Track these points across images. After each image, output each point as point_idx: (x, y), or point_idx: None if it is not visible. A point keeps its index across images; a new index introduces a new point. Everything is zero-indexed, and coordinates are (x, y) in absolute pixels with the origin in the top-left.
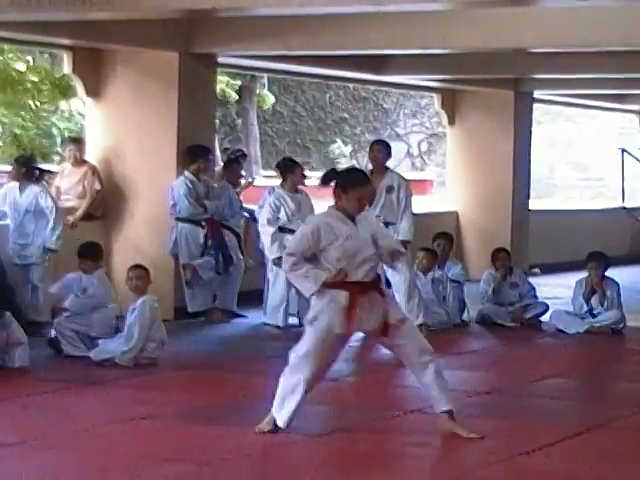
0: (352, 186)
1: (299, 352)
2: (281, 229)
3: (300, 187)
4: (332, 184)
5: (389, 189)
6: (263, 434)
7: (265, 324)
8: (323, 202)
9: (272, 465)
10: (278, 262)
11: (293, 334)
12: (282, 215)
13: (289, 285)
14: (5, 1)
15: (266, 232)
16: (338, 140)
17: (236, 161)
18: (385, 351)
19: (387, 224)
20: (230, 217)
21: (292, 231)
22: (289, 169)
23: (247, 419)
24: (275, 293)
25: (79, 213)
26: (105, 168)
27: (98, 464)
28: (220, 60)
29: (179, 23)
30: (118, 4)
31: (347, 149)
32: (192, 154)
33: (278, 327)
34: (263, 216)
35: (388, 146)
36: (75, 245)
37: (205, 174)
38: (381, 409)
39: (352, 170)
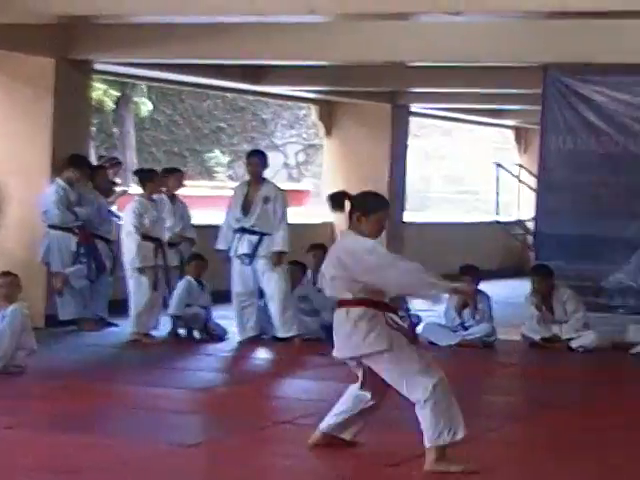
0: (374, 210)
1: (414, 378)
2: (144, 237)
3: (168, 194)
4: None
5: (265, 200)
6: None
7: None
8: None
9: (137, 475)
10: (140, 270)
11: (160, 342)
12: (146, 222)
13: (153, 292)
14: None
15: (132, 239)
16: (216, 150)
17: (102, 167)
18: (258, 362)
19: (262, 234)
20: (99, 225)
21: (152, 238)
22: (147, 177)
23: (115, 428)
24: (138, 301)
25: None
26: None
27: None
28: (97, 67)
29: (56, 28)
30: None
31: (225, 159)
32: (68, 162)
33: (141, 334)
34: (128, 223)
35: (265, 156)
36: None
37: (80, 182)
38: (252, 419)
39: (370, 194)
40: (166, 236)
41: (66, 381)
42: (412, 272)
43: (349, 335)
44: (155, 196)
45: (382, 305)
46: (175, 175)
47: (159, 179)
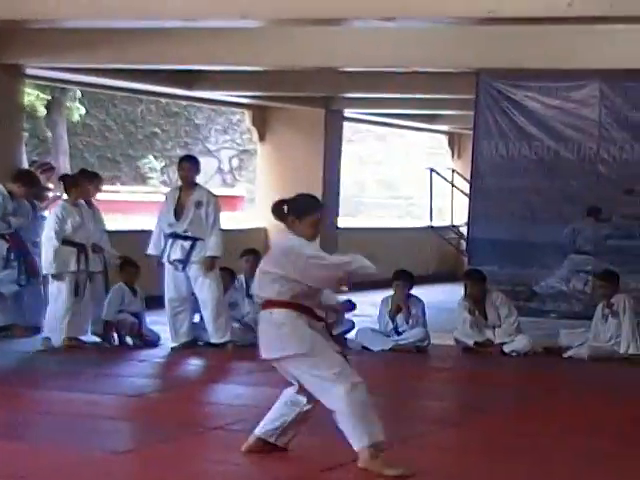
0: (307, 212)
1: (332, 377)
2: (65, 241)
3: (84, 200)
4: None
5: (198, 204)
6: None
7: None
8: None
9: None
10: (56, 277)
11: (91, 348)
12: (68, 227)
13: (73, 298)
14: None
15: (50, 245)
16: (150, 155)
17: (30, 173)
18: (191, 368)
19: (195, 239)
20: (35, 231)
21: (74, 244)
22: (72, 183)
23: (46, 435)
24: (57, 307)
25: None
26: None
27: None
28: (28, 72)
29: None
30: None
31: (158, 164)
32: (16, 177)
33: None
34: (49, 228)
35: (197, 162)
36: None
37: (22, 197)
38: (185, 426)
39: (304, 196)
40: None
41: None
42: (340, 261)
43: (273, 336)
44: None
45: (306, 308)
46: (94, 181)
47: (83, 184)
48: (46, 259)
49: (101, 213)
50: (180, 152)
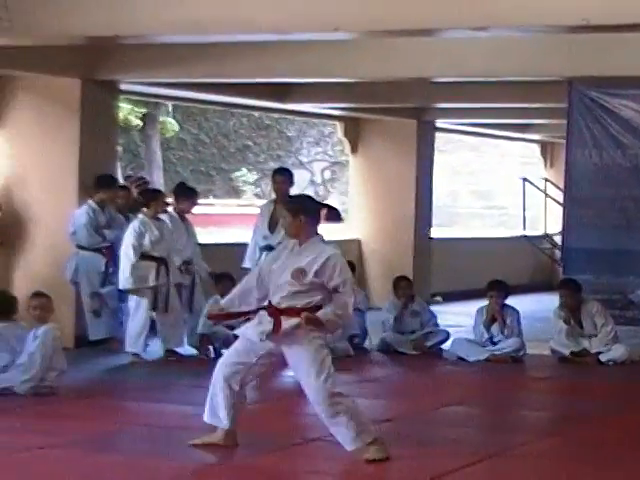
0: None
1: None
2: (144, 256)
3: (178, 214)
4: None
5: None
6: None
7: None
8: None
9: None
10: (134, 291)
11: (187, 361)
12: (146, 241)
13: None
14: None
15: (128, 259)
16: (244, 168)
17: (125, 187)
18: (286, 379)
19: None
20: None
21: (154, 258)
22: (152, 197)
23: (140, 447)
24: (136, 321)
25: None
26: (6, 195)
27: None
28: (123, 87)
29: (81, 49)
30: (18, 30)
31: (251, 177)
32: (98, 183)
33: (137, 355)
34: (127, 242)
35: (291, 174)
36: None
37: (111, 203)
38: (282, 437)
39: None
40: (177, 256)
41: (95, 401)
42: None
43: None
44: (163, 216)
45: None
46: (192, 197)
47: (164, 199)
48: (123, 274)
49: (194, 227)
50: (273, 165)
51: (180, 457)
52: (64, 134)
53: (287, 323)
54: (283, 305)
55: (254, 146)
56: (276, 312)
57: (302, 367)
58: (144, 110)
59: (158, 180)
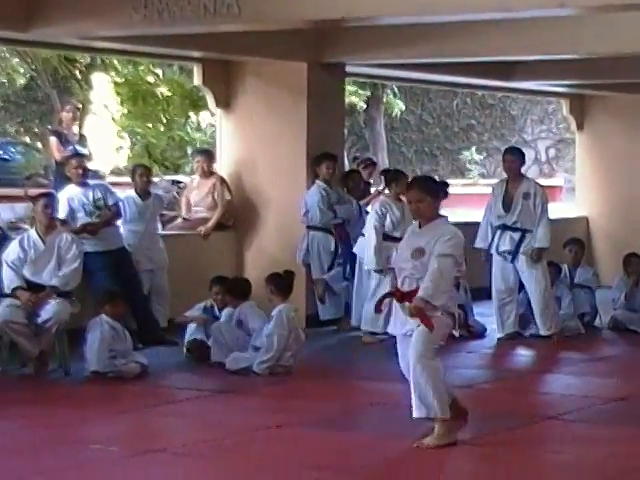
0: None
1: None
2: (386, 237)
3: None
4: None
5: (525, 196)
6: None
7: (355, 329)
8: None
9: (413, 473)
10: (379, 272)
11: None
12: (387, 222)
13: None
14: (137, 16)
15: (371, 239)
16: (472, 148)
17: (356, 171)
18: (518, 358)
19: (524, 231)
20: (353, 226)
21: (395, 239)
22: (393, 178)
23: (380, 426)
24: (373, 302)
25: (211, 223)
26: (236, 178)
27: (236, 473)
28: (348, 69)
29: (307, 33)
30: (247, 16)
31: (477, 156)
32: (317, 161)
33: (375, 334)
34: (370, 223)
35: (521, 153)
36: (207, 255)
37: (333, 180)
38: (517, 416)
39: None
40: None
41: (330, 380)
42: None
43: None
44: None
45: None
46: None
47: (406, 179)
48: (368, 255)
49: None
50: (496, 144)
51: (416, 436)
52: (292, 117)
53: None
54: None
55: (478, 125)
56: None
57: None
58: (368, 92)
59: (383, 161)
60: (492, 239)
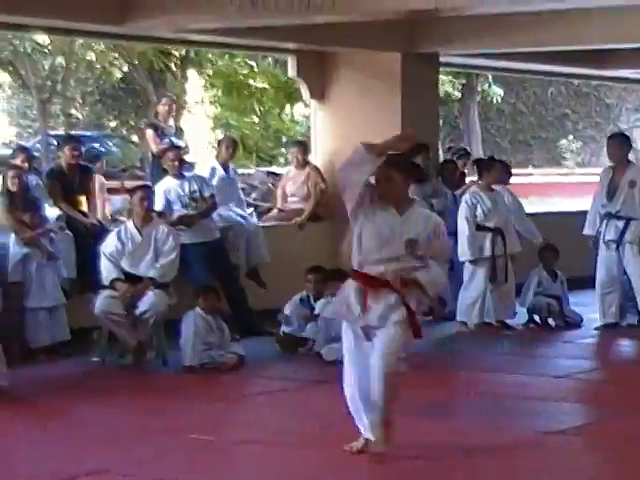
0: None
1: None
2: (478, 227)
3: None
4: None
5: (631, 184)
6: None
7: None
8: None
9: (514, 463)
10: (473, 262)
11: (516, 331)
12: (479, 213)
13: (485, 285)
14: (232, 8)
15: (464, 231)
16: (570, 136)
17: (452, 162)
18: (616, 348)
19: (629, 219)
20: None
21: (487, 229)
22: (485, 167)
23: (477, 415)
24: (470, 291)
25: (305, 214)
26: (330, 169)
27: (336, 464)
28: (442, 59)
29: (400, 24)
30: (341, 7)
31: (574, 145)
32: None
33: (466, 324)
34: (461, 215)
35: (627, 139)
36: (301, 246)
37: (427, 171)
38: (616, 407)
39: None
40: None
41: (428, 369)
42: None
43: None
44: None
45: None
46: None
47: (497, 170)
48: (461, 245)
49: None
50: (591, 133)
51: (517, 426)
52: (386, 107)
53: None
54: None
55: (572, 114)
56: None
57: None
58: (463, 81)
59: (477, 151)
60: (599, 227)
